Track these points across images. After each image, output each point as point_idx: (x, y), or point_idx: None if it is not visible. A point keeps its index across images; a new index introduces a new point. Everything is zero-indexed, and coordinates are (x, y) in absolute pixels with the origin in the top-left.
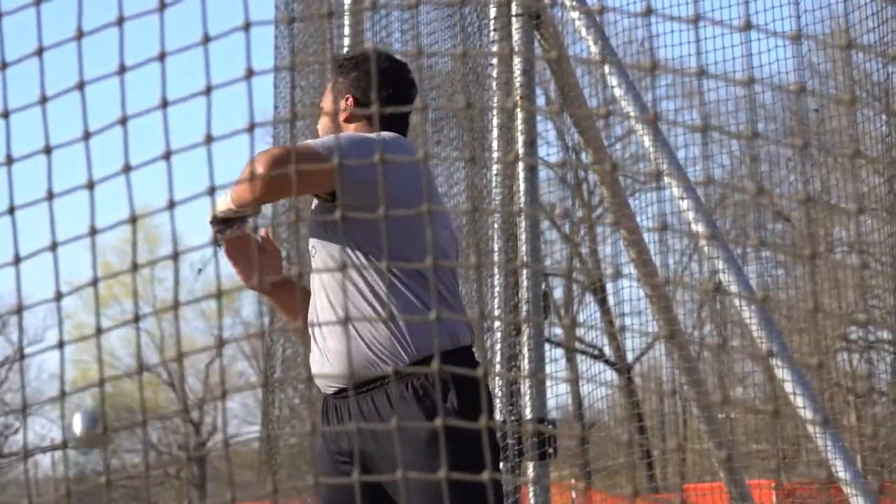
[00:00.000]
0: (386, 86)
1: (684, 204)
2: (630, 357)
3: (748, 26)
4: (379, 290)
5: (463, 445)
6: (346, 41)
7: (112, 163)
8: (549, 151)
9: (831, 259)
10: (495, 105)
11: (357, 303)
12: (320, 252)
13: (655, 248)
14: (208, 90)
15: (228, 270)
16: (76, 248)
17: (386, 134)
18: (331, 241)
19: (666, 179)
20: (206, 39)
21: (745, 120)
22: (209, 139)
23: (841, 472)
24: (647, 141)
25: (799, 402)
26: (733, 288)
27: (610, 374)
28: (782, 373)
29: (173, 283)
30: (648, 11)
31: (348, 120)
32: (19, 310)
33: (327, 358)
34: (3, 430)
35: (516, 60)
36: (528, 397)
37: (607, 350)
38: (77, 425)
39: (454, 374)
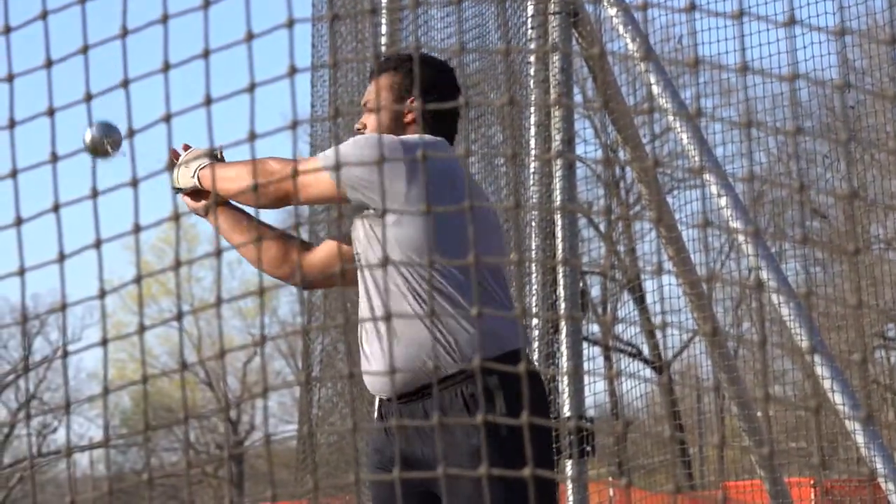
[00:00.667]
0: (438, 88)
1: (722, 201)
2: (668, 355)
3: (791, 21)
4: (423, 293)
5: (511, 455)
6: (384, 39)
7: (154, 161)
8: (587, 149)
9: (871, 255)
10: (533, 102)
11: (401, 306)
12: (366, 256)
13: (693, 245)
14: (252, 87)
15: (265, 277)
16: (113, 249)
17: (428, 137)
18: (373, 245)
19: (706, 176)
20: (250, 37)
21: (783, 117)
22: (252, 136)
23: (880, 468)
24: (684, 138)
25: (838, 398)
26: (772, 285)
27: (648, 372)
28: (821, 370)
29: (214, 282)
30: (692, 7)
31: (413, 121)
32: (63, 307)
33: (373, 362)
34: (42, 430)
35: (554, 58)
36: (566, 395)
37: (645, 348)
38: (88, 135)
39: (503, 381)
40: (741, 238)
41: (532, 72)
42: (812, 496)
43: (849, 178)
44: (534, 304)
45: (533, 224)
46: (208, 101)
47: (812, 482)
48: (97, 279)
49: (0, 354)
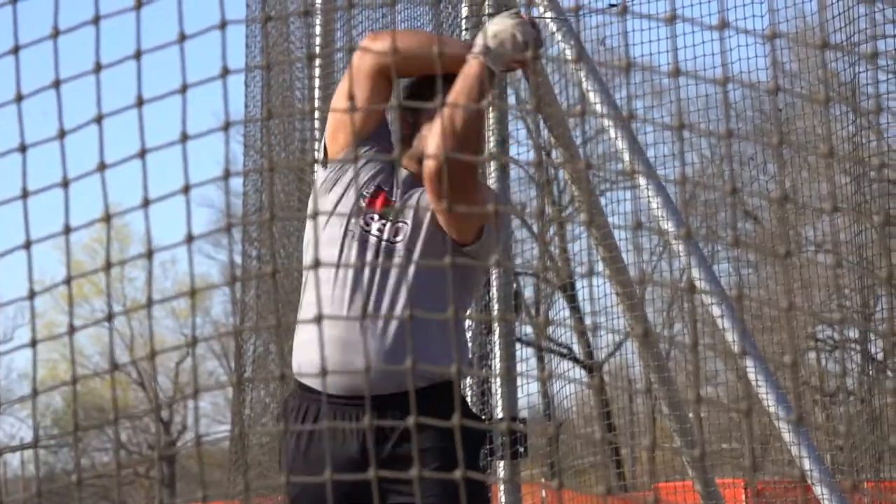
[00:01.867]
0: None
1: (655, 202)
2: (599, 356)
3: (723, 24)
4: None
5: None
6: (318, 40)
7: (85, 161)
8: (520, 150)
9: (804, 258)
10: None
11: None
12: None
13: (625, 246)
14: (184, 88)
15: (199, 270)
16: (45, 248)
17: None
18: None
19: (640, 179)
20: (182, 38)
21: (715, 118)
22: (184, 137)
23: (810, 470)
24: (617, 140)
25: (769, 400)
26: (704, 286)
27: (579, 373)
28: (753, 372)
29: (146, 282)
30: (624, 10)
31: None
32: None
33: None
34: None
35: None
36: (498, 396)
37: (576, 349)
38: None
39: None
40: (673, 240)
41: None
42: (744, 497)
43: (780, 181)
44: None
45: None
46: (140, 102)
47: (743, 483)
48: (28, 279)
49: None
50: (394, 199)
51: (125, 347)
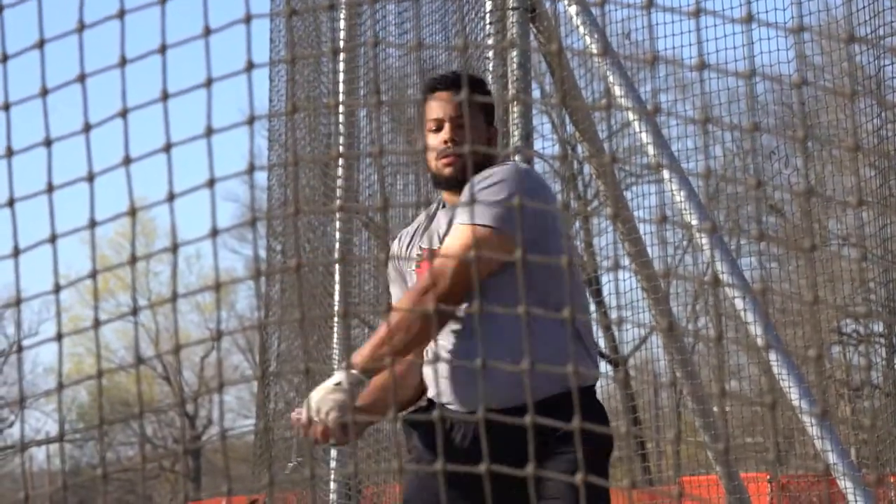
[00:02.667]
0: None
1: (679, 196)
2: (624, 350)
3: (749, 18)
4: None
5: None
6: (342, 34)
7: (111, 156)
8: (545, 145)
9: (828, 251)
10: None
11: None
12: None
13: (650, 240)
14: (209, 83)
15: (224, 264)
16: (70, 242)
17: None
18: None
19: (665, 173)
20: (207, 32)
21: (739, 111)
22: (209, 131)
23: (835, 464)
24: (643, 134)
25: (794, 394)
26: (729, 280)
27: (604, 367)
28: (777, 366)
29: (171, 276)
30: (650, 3)
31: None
32: (18, 302)
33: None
34: None
35: (512, 53)
36: None
37: (602, 343)
38: None
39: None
40: (698, 234)
41: (490, 67)
42: (768, 491)
43: (805, 175)
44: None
45: None
46: (165, 97)
47: (768, 477)
48: (53, 274)
49: None
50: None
51: (150, 342)
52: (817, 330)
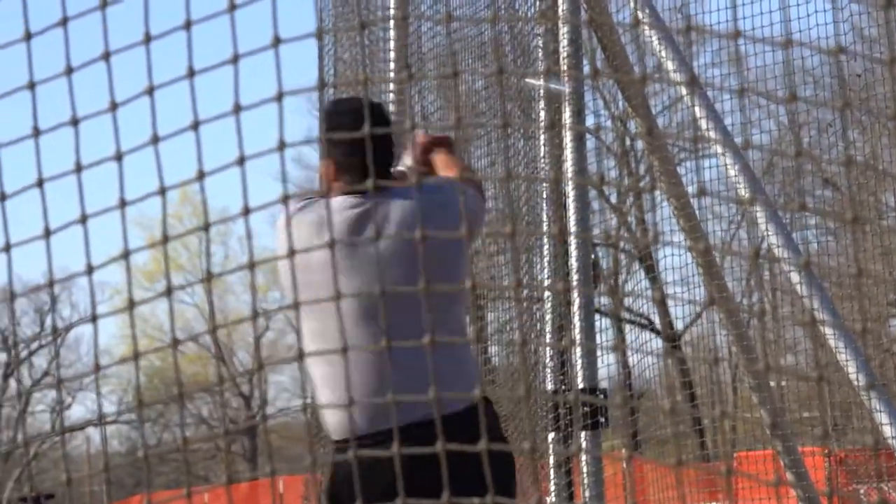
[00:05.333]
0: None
1: (733, 171)
2: (679, 325)
3: None
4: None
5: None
6: (392, 9)
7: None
8: (597, 121)
9: (880, 225)
10: (542, 74)
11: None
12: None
13: (703, 215)
14: (275, 42)
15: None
16: (116, 223)
17: None
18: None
19: (716, 146)
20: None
21: (791, 85)
22: (280, 96)
23: (893, 437)
24: (694, 108)
25: (851, 368)
26: (782, 254)
27: (658, 343)
28: (833, 339)
29: (225, 257)
30: None
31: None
32: (90, 274)
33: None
34: (56, 406)
35: (563, 29)
36: (578, 367)
37: (656, 319)
38: None
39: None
40: (752, 208)
41: (541, 43)
42: (825, 465)
43: (846, 147)
44: (546, 277)
45: (544, 196)
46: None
47: (825, 451)
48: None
49: (14, 331)
50: None
51: (205, 322)
52: (874, 303)
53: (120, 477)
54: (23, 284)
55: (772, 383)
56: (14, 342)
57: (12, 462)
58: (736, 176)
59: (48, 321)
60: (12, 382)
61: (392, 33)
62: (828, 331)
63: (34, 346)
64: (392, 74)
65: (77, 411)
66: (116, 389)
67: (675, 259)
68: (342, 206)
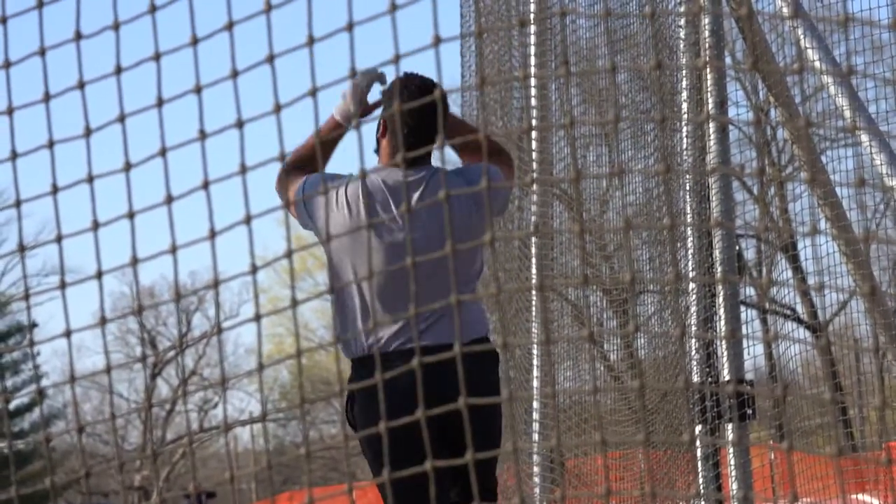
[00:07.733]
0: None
1: (878, 159)
2: (825, 316)
3: None
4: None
5: None
6: (532, 6)
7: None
8: (739, 111)
9: None
10: (684, 66)
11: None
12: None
13: (848, 204)
14: (396, 59)
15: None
16: (266, 223)
17: None
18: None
19: (860, 135)
20: (394, 8)
21: None
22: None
23: None
24: (837, 97)
25: None
26: None
27: (803, 333)
28: None
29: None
30: None
31: None
32: (216, 284)
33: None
34: (203, 405)
35: (704, 20)
36: (725, 359)
37: (800, 309)
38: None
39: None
40: None
41: (682, 35)
42: None
43: None
44: (690, 269)
45: (687, 188)
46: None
47: None
48: (249, 255)
49: (160, 332)
50: None
51: None
52: None
53: (268, 475)
54: (167, 284)
55: None
56: (180, 343)
57: (161, 462)
58: (882, 164)
59: (195, 321)
60: (160, 382)
61: (533, 28)
62: None
63: (186, 344)
64: (533, 70)
65: (221, 411)
66: (259, 388)
67: (822, 249)
68: (395, 175)
